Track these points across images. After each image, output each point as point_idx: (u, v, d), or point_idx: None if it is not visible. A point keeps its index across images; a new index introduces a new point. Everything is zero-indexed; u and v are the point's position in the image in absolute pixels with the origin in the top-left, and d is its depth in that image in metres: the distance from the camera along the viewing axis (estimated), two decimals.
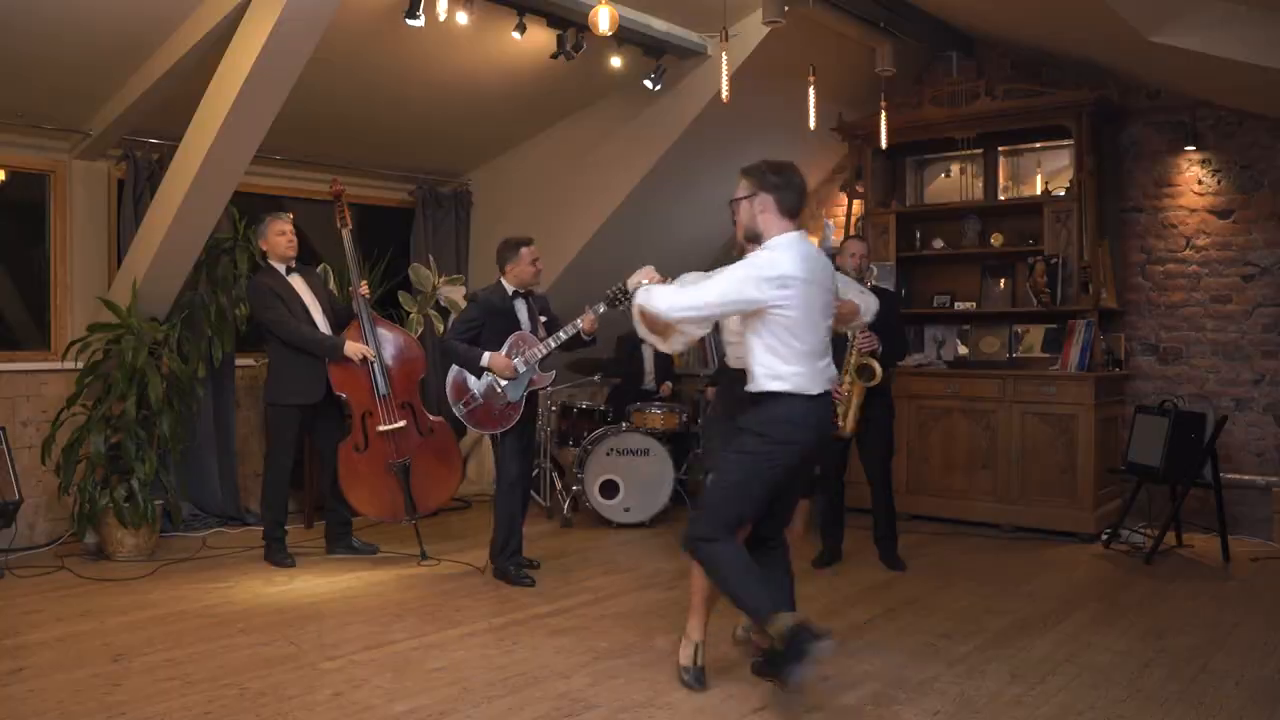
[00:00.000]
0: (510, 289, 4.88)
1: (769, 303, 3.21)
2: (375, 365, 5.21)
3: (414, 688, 3.43)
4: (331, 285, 5.78)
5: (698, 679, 3.45)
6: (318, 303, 5.27)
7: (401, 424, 5.25)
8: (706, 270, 3.75)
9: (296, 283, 5.23)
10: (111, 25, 4.63)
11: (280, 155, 6.27)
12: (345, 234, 5.33)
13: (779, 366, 3.25)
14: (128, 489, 5.17)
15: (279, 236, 5.20)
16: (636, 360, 6.77)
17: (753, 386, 3.28)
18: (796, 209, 3.39)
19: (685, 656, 3.52)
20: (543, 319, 4.99)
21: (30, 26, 4.55)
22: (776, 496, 3.38)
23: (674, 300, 3.30)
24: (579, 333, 4.80)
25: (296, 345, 5.08)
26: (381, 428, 5.22)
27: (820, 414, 3.31)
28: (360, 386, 5.21)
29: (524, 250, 4.85)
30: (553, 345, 4.82)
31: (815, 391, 3.28)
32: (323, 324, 5.23)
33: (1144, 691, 3.44)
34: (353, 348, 5.13)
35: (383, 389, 5.23)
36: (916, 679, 3.56)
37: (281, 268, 5.22)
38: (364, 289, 5.30)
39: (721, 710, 3.27)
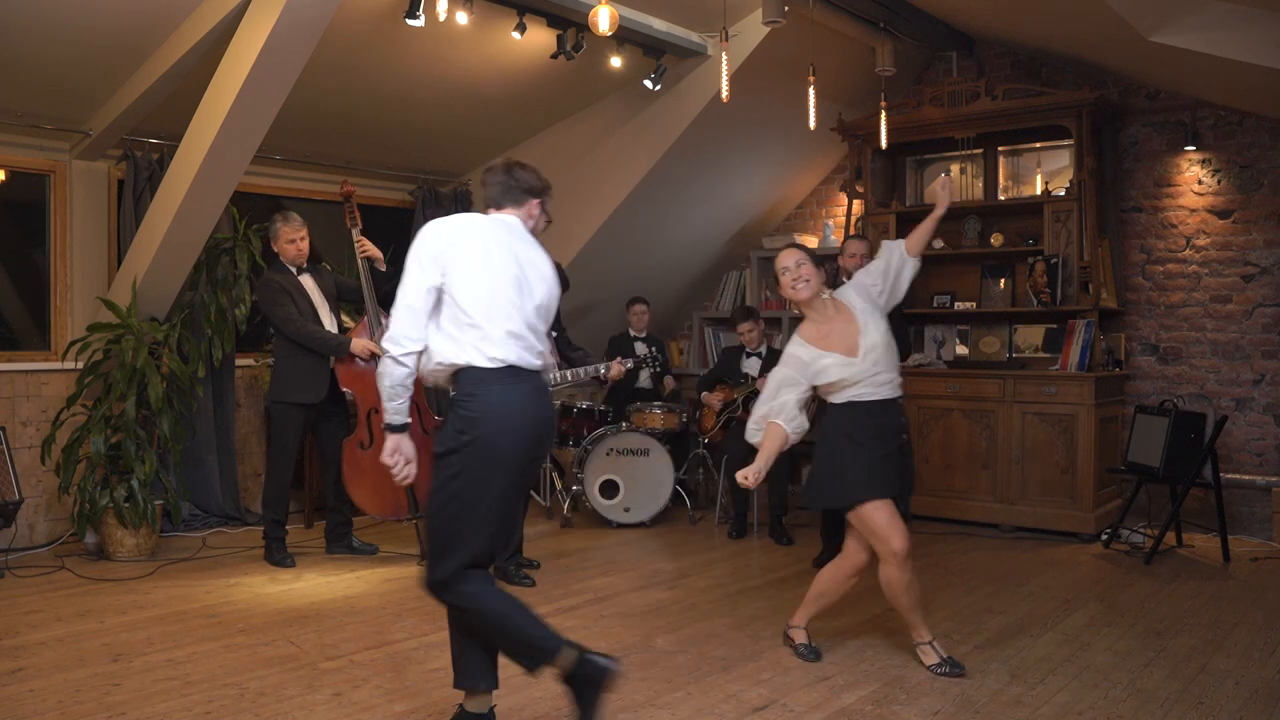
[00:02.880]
0: None
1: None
2: None
3: (414, 688, 3.43)
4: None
5: (954, 665, 3.61)
6: (326, 303, 5.29)
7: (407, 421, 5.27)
8: None
9: (307, 282, 5.25)
10: (111, 25, 4.63)
11: (280, 155, 6.28)
12: (355, 234, 5.35)
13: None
14: (128, 489, 5.17)
15: (289, 244, 5.20)
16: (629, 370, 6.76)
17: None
18: (496, 199, 2.98)
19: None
20: (552, 334, 5.00)
21: (30, 26, 4.55)
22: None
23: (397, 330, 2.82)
24: (599, 376, 4.81)
25: (303, 343, 5.09)
26: None
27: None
28: (367, 383, 5.23)
29: None
30: (569, 378, 4.81)
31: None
32: (330, 324, 5.25)
33: (1144, 691, 3.44)
34: (359, 344, 5.15)
35: None
36: (916, 679, 3.56)
37: (293, 267, 5.23)
38: (370, 249, 5.26)
39: (721, 710, 3.27)
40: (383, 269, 5.32)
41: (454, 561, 2.78)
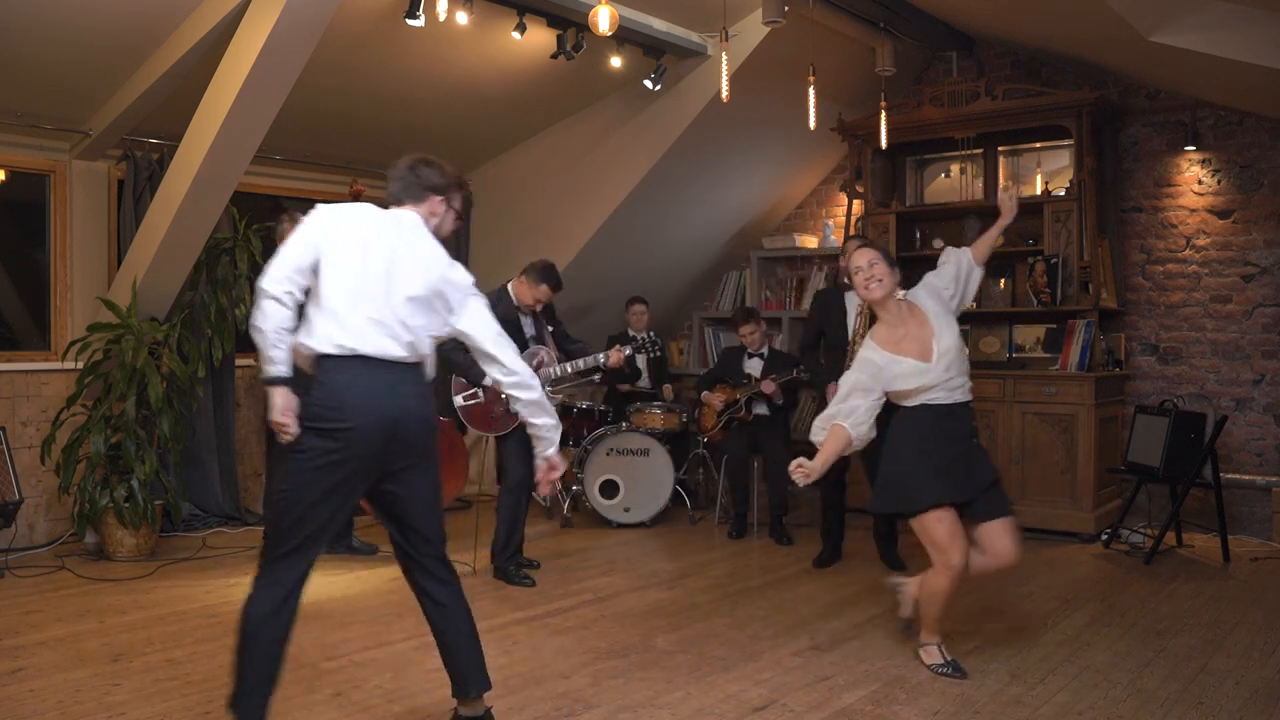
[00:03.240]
0: (515, 300, 4.88)
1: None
2: None
3: (414, 688, 3.43)
4: None
5: (956, 668, 3.58)
6: None
7: None
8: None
9: None
10: (111, 25, 4.63)
11: (280, 155, 6.28)
12: None
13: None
14: (128, 489, 5.17)
15: None
16: (628, 360, 6.75)
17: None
18: (397, 195, 2.95)
19: (932, 657, 3.64)
20: (550, 329, 5.01)
21: (30, 26, 4.55)
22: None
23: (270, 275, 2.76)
24: (599, 366, 4.84)
25: None
26: None
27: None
28: None
29: (544, 286, 4.84)
30: (569, 370, 4.84)
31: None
32: None
33: (1144, 691, 3.44)
34: None
35: None
36: (916, 679, 3.56)
37: None
38: None
39: (721, 710, 3.27)
40: None
41: (276, 548, 2.73)
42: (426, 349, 2.85)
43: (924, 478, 3.52)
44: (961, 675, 3.56)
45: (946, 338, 3.55)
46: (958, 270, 3.78)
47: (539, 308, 4.93)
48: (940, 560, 3.54)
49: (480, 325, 2.95)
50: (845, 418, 3.55)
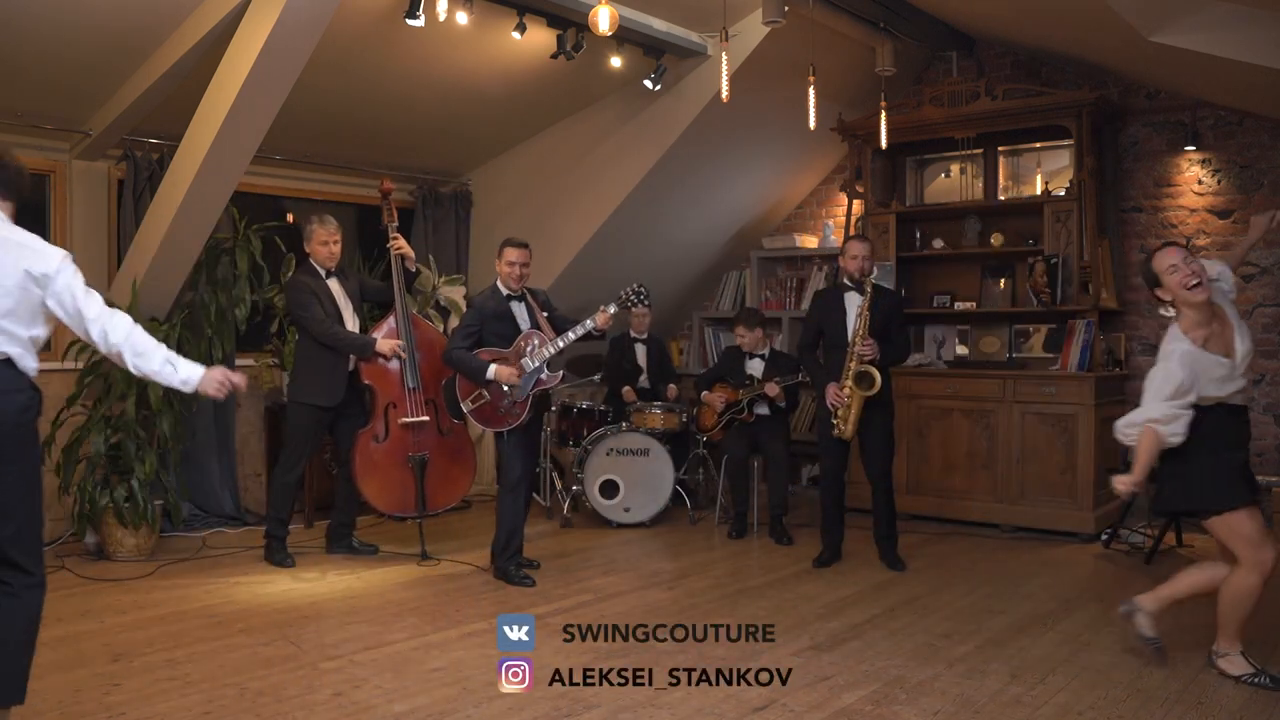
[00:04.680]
0: (505, 290, 4.91)
1: None
2: (408, 358, 5.31)
3: (414, 688, 3.43)
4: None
5: (1274, 681, 3.46)
6: (350, 305, 5.35)
7: (425, 418, 5.33)
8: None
9: (334, 285, 5.30)
10: (111, 25, 4.63)
11: (280, 155, 6.27)
12: (391, 229, 5.45)
13: None
14: (128, 489, 5.17)
15: (321, 246, 5.26)
16: (630, 360, 6.77)
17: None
18: None
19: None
20: (544, 315, 5.01)
21: (30, 26, 4.55)
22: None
23: None
24: (590, 331, 4.86)
25: (330, 344, 5.13)
26: (405, 420, 5.29)
27: None
28: (389, 378, 5.31)
29: (507, 249, 4.92)
30: (561, 345, 4.86)
31: None
32: (353, 327, 5.33)
33: (1144, 691, 3.44)
34: (385, 344, 5.24)
35: (412, 382, 5.32)
36: (916, 679, 3.56)
37: (322, 270, 5.28)
38: (404, 246, 5.41)
39: (721, 710, 3.27)
40: (413, 269, 5.48)
41: None
42: (12, 343, 2.84)
43: (1232, 475, 3.45)
44: (1279, 687, 3.42)
45: (1246, 341, 3.46)
46: (1229, 279, 3.73)
47: (523, 279, 4.94)
48: (1254, 557, 3.40)
49: (65, 289, 2.97)
50: (1165, 423, 3.40)
